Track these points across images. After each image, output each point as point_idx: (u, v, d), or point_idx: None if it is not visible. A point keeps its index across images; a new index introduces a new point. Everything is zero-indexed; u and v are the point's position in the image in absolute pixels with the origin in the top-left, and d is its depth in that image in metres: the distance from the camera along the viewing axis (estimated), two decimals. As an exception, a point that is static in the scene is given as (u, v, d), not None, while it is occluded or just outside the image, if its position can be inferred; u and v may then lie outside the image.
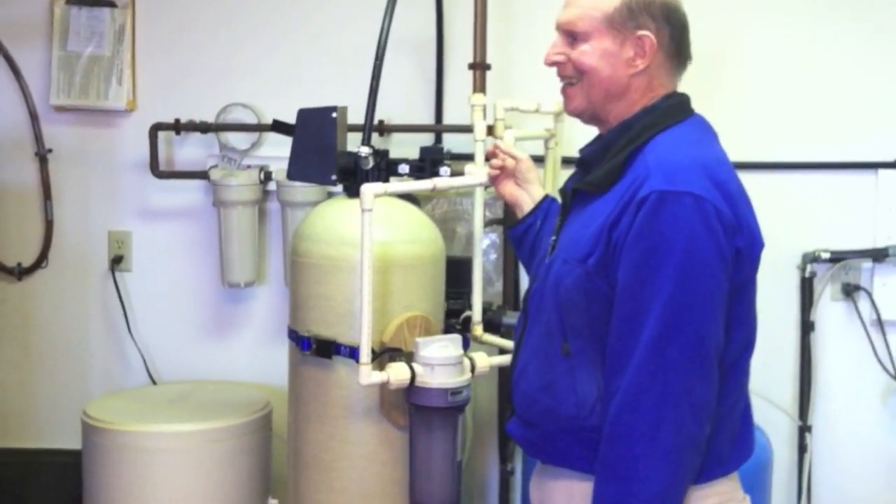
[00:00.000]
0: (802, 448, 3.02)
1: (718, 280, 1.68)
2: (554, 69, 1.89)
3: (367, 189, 2.21)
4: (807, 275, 3.02)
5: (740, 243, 1.71)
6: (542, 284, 1.88)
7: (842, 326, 3.06)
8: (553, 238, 1.94)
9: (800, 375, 3.03)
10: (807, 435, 3.00)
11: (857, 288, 3.02)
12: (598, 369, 1.77)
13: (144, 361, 3.30)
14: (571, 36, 1.84)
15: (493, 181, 2.25)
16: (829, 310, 3.06)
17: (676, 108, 1.84)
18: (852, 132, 3.03)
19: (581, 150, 1.94)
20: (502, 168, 2.22)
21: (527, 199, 2.21)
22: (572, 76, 1.86)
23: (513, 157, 2.21)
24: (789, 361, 3.06)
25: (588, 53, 1.81)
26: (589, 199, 1.83)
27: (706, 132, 1.87)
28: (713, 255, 1.67)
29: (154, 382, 3.30)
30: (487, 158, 2.28)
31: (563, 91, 1.91)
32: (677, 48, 1.83)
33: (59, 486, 3.27)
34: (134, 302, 3.33)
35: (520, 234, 2.20)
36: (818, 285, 3.03)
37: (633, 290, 1.69)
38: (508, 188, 2.23)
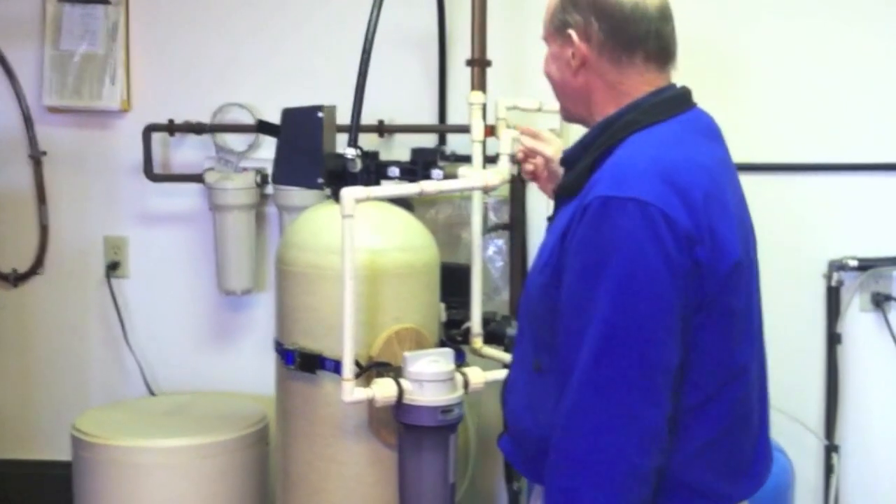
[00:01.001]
0: (829, 469, 2.86)
1: (665, 295, 1.53)
2: None
3: (348, 193, 2.08)
4: (833, 284, 2.86)
5: (701, 255, 1.54)
6: (523, 293, 1.79)
7: (871, 339, 2.90)
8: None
9: (826, 391, 2.87)
10: (834, 455, 2.84)
11: (888, 298, 2.85)
12: None
13: (142, 371, 3.21)
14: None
15: (538, 184, 2.11)
16: (858, 321, 2.90)
17: (665, 104, 1.69)
18: (878, 132, 2.88)
19: (564, 151, 1.82)
20: (535, 172, 2.08)
21: None
22: None
23: (539, 153, 2.06)
24: (815, 376, 2.90)
25: (546, 60, 1.76)
26: (563, 203, 1.72)
27: (696, 131, 1.71)
28: (658, 267, 1.52)
29: (152, 393, 3.22)
30: (515, 161, 2.16)
31: None
32: (617, 38, 1.67)
33: (56, 498, 3.18)
34: (131, 309, 3.25)
35: None
36: (845, 295, 2.86)
37: (574, 306, 1.57)
38: (550, 188, 2.05)
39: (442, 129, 2.94)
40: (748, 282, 1.66)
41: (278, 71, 3.10)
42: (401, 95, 2.90)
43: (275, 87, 3.09)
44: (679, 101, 1.72)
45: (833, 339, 2.85)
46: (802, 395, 2.87)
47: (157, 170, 3.11)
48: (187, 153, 3.14)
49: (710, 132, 1.74)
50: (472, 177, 2.22)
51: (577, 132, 2.67)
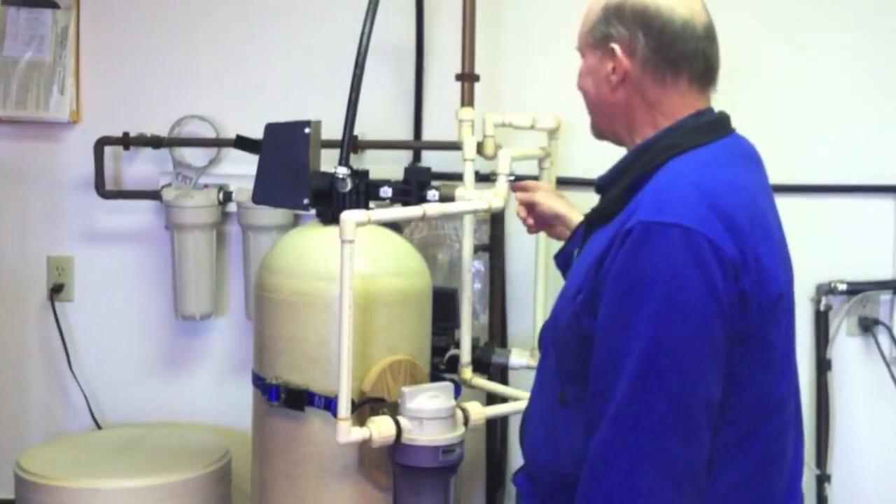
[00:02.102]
0: (822, 500, 2.77)
1: (708, 327, 1.46)
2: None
3: (349, 217, 1.93)
4: (822, 308, 2.78)
5: (746, 285, 1.48)
6: (549, 321, 1.71)
7: (859, 364, 2.82)
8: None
9: (816, 419, 2.78)
10: (826, 485, 2.75)
11: (876, 322, 2.78)
12: None
13: (88, 402, 3.01)
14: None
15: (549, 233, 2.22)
16: (845, 346, 2.83)
17: (705, 128, 1.63)
18: (868, 153, 2.80)
19: (599, 177, 1.73)
20: (537, 224, 2.18)
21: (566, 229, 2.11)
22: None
23: (527, 203, 2.15)
24: (804, 404, 2.76)
25: (582, 73, 1.71)
26: (596, 228, 1.65)
27: (737, 156, 1.65)
28: (702, 297, 1.45)
29: (99, 426, 3.01)
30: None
31: None
32: (662, 56, 1.61)
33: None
34: (76, 335, 3.04)
35: (561, 264, 2.02)
36: (833, 319, 2.78)
37: (610, 335, 1.50)
38: (555, 232, 2.17)
39: (422, 145, 2.79)
40: (788, 313, 1.60)
41: (241, 81, 2.92)
42: (373, 110, 2.74)
43: (238, 97, 2.92)
44: (719, 126, 1.66)
45: (822, 365, 2.77)
46: (791, 423, 2.78)
47: (108, 185, 2.91)
48: (141, 168, 2.95)
49: (751, 158, 1.68)
50: (474, 199, 2.09)
51: (564, 150, 2.63)
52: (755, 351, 1.52)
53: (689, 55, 1.61)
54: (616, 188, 1.62)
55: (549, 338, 1.68)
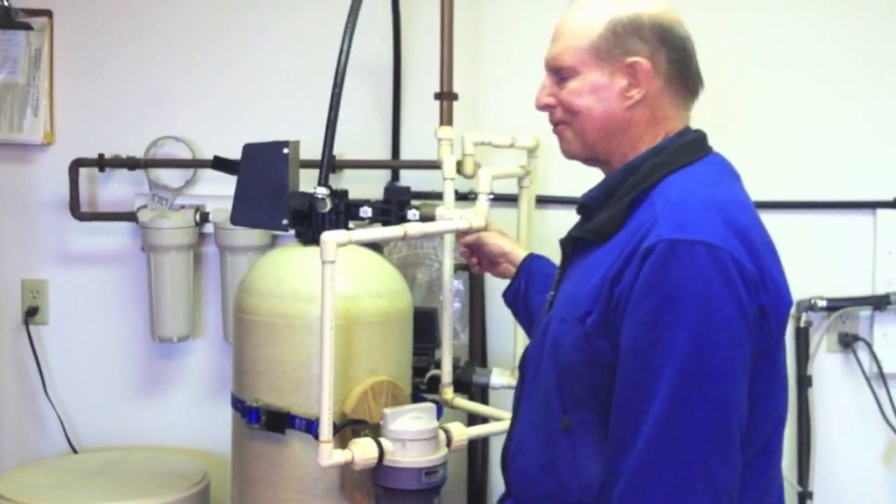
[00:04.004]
0: (804, 517, 2.75)
1: (740, 343, 1.45)
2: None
3: (329, 238, 1.91)
4: (802, 325, 2.77)
5: (765, 300, 1.48)
6: (540, 346, 1.65)
7: (840, 380, 2.81)
8: (551, 294, 1.72)
9: (797, 436, 2.76)
10: (808, 502, 2.74)
11: (856, 338, 2.77)
12: (604, 447, 1.53)
13: (63, 426, 2.97)
14: (558, 73, 1.65)
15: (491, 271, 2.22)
16: (826, 362, 2.81)
17: (690, 147, 1.63)
18: (848, 170, 2.80)
19: (583, 196, 1.72)
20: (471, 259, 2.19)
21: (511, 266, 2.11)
22: (563, 118, 1.67)
23: (471, 244, 2.17)
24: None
25: (577, 91, 1.63)
26: (589, 249, 1.62)
27: (725, 173, 1.66)
28: (733, 313, 1.44)
29: (74, 450, 2.97)
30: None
31: (556, 131, 1.70)
32: (680, 72, 1.62)
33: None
34: (51, 359, 3.01)
35: (510, 300, 2.05)
36: (813, 336, 2.77)
37: (640, 354, 1.46)
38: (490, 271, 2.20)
39: (401, 164, 2.77)
40: (786, 328, 1.61)
41: (217, 102, 2.90)
42: (352, 129, 2.71)
43: (214, 118, 2.89)
44: (701, 144, 1.66)
45: (803, 382, 2.76)
46: (772, 440, 2.77)
47: (83, 207, 2.87)
48: (117, 189, 2.92)
49: (735, 175, 1.68)
50: (455, 218, 2.07)
51: (544, 169, 2.62)
52: (770, 366, 1.53)
53: (696, 73, 1.64)
54: (613, 207, 1.59)
55: (549, 363, 1.62)
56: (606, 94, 1.60)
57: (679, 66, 1.61)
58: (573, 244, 1.68)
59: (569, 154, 1.70)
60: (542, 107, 1.68)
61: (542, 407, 1.63)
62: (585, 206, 1.68)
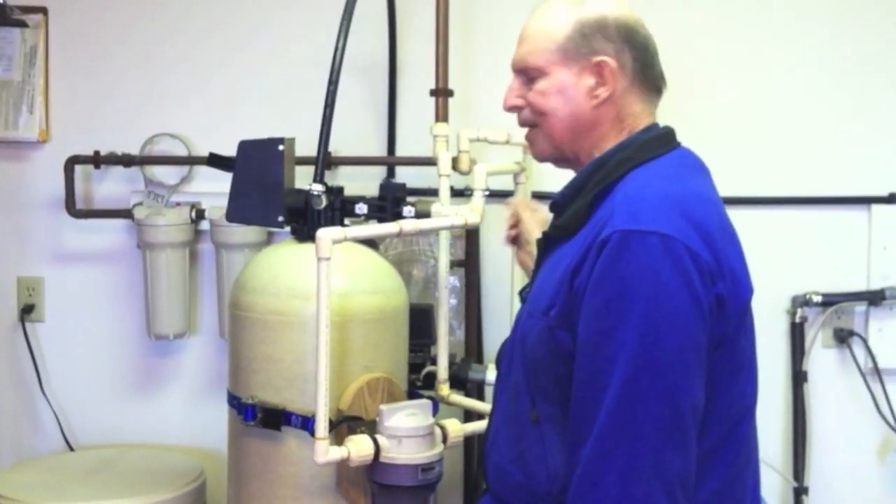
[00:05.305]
0: (799, 512, 2.76)
1: (692, 333, 1.46)
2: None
3: (325, 235, 1.91)
4: (797, 320, 2.78)
5: (722, 290, 1.49)
6: (512, 341, 1.69)
7: (835, 376, 2.82)
8: (526, 290, 1.75)
9: (793, 431, 2.77)
10: (804, 497, 2.75)
11: (851, 333, 2.78)
12: None
13: (59, 424, 2.96)
14: (526, 74, 1.67)
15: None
16: (821, 358, 2.82)
17: (656, 141, 1.65)
18: (843, 165, 2.81)
19: (556, 194, 1.74)
20: (517, 238, 2.15)
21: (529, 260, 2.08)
22: (531, 120, 1.69)
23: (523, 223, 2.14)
24: (780, 416, 2.80)
25: (545, 92, 1.65)
26: (558, 244, 1.65)
27: (690, 167, 1.67)
28: (685, 303, 1.45)
29: (71, 448, 2.96)
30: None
31: (526, 136, 1.73)
32: (643, 70, 1.64)
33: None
34: (47, 356, 3.00)
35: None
36: (808, 331, 2.78)
37: (593, 346, 1.48)
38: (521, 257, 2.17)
39: (396, 161, 2.77)
40: (751, 317, 1.61)
41: (212, 99, 2.90)
42: (347, 126, 2.71)
43: (209, 115, 2.89)
44: (667, 140, 1.68)
45: (799, 377, 2.76)
46: (768, 436, 2.74)
47: (79, 205, 2.87)
48: (112, 187, 2.92)
49: (700, 169, 1.69)
50: (450, 215, 2.07)
51: (540, 166, 2.61)
52: (729, 356, 1.53)
53: (660, 71, 1.67)
54: (576, 203, 1.62)
55: (518, 356, 1.64)
56: (573, 94, 1.62)
57: (643, 65, 1.64)
58: (546, 241, 1.70)
59: (540, 156, 1.73)
60: (510, 108, 1.70)
61: (513, 400, 1.65)
62: (557, 203, 1.70)
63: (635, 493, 1.43)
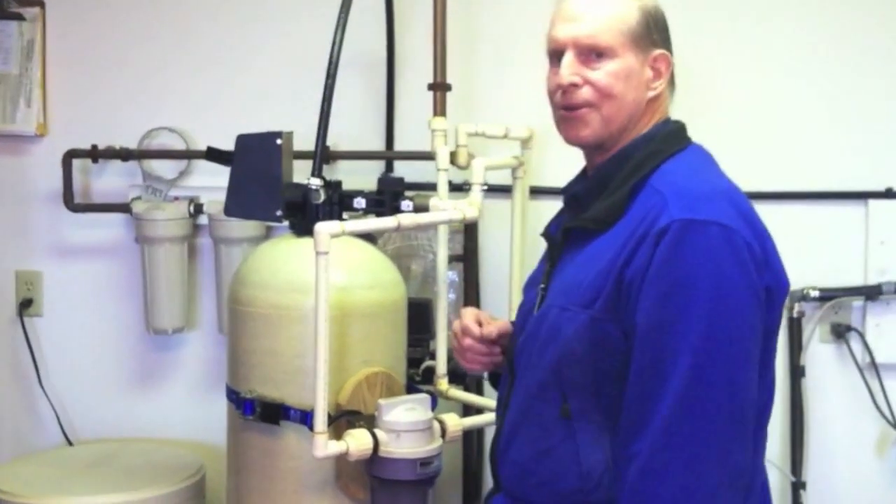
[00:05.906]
0: (797, 507, 2.76)
1: (753, 322, 1.47)
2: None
3: (323, 229, 1.92)
4: (794, 315, 2.77)
5: (770, 282, 1.51)
6: (533, 338, 1.64)
7: (832, 371, 2.81)
8: (542, 287, 1.70)
9: (791, 426, 2.76)
10: (801, 493, 2.74)
11: (849, 328, 2.78)
12: (606, 434, 1.54)
13: (58, 418, 2.97)
14: (590, 53, 1.59)
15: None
16: (819, 352, 2.81)
17: (675, 135, 1.66)
18: (840, 160, 2.80)
19: (569, 187, 1.74)
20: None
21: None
22: (591, 100, 1.60)
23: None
24: (778, 411, 2.75)
25: (615, 73, 1.59)
26: (587, 238, 1.61)
27: (712, 162, 1.67)
28: (746, 292, 1.46)
29: (70, 442, 2.97)
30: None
31: (572, 115, 1.62)
32: (673, 70, 1.67)
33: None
34: (45, 350, 3.01)
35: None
36: (806, 326, 2.78)
37: (655, 334, 1.47)
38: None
39: (395, 155, 2.77)
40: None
41: (211, 93, 2.90)
42: (345, 120, 2.72)
43: (208, 109, 2.89)
44: (684, 132, 1.68)
45: (796, 372, 2.76)
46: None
47: (77, 199, 2.87)
48: (110, 181, 2.92)
49: (716, 162, 1.69)
50: (448, 209, 2.08)
51: (537, 160, 2.62)
52: (770, 348, 1.55)
53: None
54: (613, 195, 1.58)
55: (545, 352, 1.59)
56: (637, 83, 1.60)
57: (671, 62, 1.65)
58: (567, 235, 1.67)
59: (583, 139, 1.63)
60: (569, 86, 1.60)
61: (537, 397, 1.61)
62: (577, 196, 1.68)
63: (701, 487, 1.43)
